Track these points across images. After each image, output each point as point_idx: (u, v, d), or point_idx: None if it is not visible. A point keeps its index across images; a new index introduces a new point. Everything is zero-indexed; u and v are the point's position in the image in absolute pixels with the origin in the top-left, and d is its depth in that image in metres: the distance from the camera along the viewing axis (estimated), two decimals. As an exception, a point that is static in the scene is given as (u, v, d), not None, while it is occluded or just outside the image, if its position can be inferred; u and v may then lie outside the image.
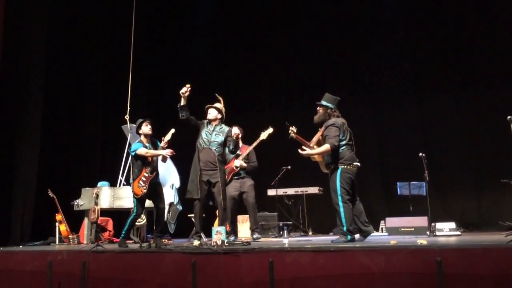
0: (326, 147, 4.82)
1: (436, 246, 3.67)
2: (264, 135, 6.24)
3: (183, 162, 6.77)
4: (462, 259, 3.44)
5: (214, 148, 5.61)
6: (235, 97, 8.93)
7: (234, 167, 6.18)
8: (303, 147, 4.99)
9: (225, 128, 5.75)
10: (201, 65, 9.74)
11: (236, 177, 6.23)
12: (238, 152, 6.25)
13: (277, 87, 9.32)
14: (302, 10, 9.21)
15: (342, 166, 4.85)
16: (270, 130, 6.25)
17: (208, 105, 5.83)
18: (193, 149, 5.75)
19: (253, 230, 6.25)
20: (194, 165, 5.62)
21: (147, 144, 5.46)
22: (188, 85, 5.43)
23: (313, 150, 4.97)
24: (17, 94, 7.21)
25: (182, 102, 5.51)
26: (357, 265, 3.68)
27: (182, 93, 5.44)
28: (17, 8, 7.21)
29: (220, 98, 5.91)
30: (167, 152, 5.27)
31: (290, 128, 5.11)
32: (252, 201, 6.18)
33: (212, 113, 5.76)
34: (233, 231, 6.12)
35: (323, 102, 5.07)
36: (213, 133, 5.68)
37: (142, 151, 5.33)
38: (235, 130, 5.58)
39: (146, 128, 5.49)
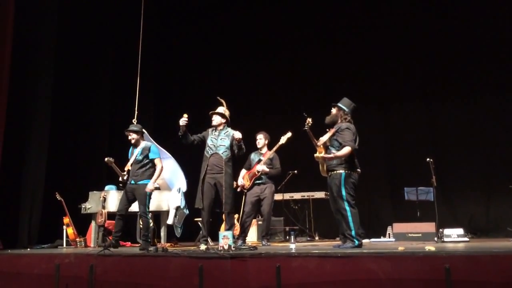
0: (347, 149, 4.77)
1: (444, 253, 3.64)
2: (283, 140, 6.19)
3: (190, 166, 6.79)
4: (470, 266, 3.41)
5: (221, 152, 5.59)
6: (244, 101, 9.02)
7: (256, 172, 6.16)
8: (319, 150, 4.90)
9: (231, 132, 5.74)
10: (211, 70, 9.78)
11: (258, 182, 6.19)
12: (260, 157, 6.26)
13: (288, 92, 9.31)
14: (312, 15, 9.20)
15: (346, 171, 4.82)
16: (289, 134, 6.21)
17: (211, 112, 5.84)
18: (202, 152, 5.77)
19: (263, 237, 6.24)
20: (201, 175, 5.67)
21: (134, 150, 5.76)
22: (185, 115, 5.50)
23: (336, 153, 4.81)
24: (26, 97, 7.27)
25: (182, 131, 5.54)
26: (364, 271, 3.66)
27: (181, 125, 5.49)
28: (26, 10, 7.27)
29: (222, 101, 5.91)
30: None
31: (308, 119, 5.02)
32: (268, 209, 6.15)
33: (215, 120, 5.78)
34: (242, 235, 6.11)
35: (339, 104, 5.08)
36: (219, 138, 5.69)
37: None
38: (237, 135, 5.59)
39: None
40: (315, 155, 5.11)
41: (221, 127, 5.76)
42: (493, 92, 7.89)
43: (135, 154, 5.67)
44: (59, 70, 7.69)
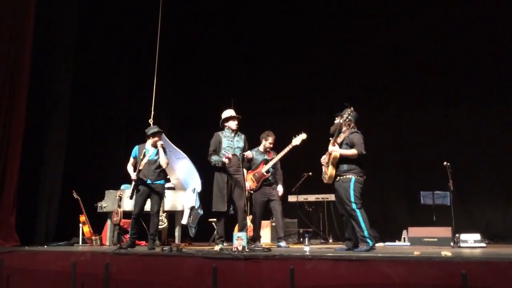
0: (353, 151, 4.86)
1: (461, 258, 3.60)
2: (297, 141, 6.09)
3: (205, 167, 6.81)
4: (488, 272, 3.37)
5: (238, 153, 5.79)
6: (257, 103, 9.01)
7: (264, 173, 6.15)
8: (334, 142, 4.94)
9: (242, 135, 5.95)
10: (226, 72, 9.80)
11: (266, 183, 6.18)
12: (265, 156, 6.25)
13: (301, 95, 9.26)
14: (326, 19, 9.16)
15: (356, 177, 4.89)
16: (303, 135, 6.09)
17: (236, 116, 5.90)
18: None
19: (279, 238, 6.18)
20: (217, 180, 5.73)
21: (147, 148, 5.72)
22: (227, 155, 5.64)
23: (341, 150, 4.91)
24: (45, 97, 7.40)
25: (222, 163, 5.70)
26: (378, 276, 3.63)
27: (226, 163, 5.65)
28: (47, 12, 7.39)
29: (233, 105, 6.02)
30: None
31: (350, 109, 4.96)
32: (279, 209, 6.14)
33: (237, 124, 5.90)
34: (256, 237, 6.11)
35: (342, 114, 5.11)
36: (235, 140, 5.83)
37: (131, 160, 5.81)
38: (248, 154, 5.77)
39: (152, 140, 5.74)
40: (329, 149, 5.08)
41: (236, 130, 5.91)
42: (511, 96, 7.75)
43: (149, 154, 5.69)
44: (78, 70, 7.81)
